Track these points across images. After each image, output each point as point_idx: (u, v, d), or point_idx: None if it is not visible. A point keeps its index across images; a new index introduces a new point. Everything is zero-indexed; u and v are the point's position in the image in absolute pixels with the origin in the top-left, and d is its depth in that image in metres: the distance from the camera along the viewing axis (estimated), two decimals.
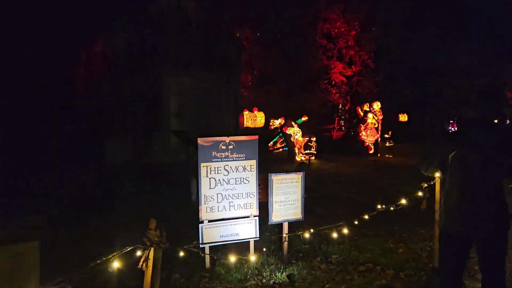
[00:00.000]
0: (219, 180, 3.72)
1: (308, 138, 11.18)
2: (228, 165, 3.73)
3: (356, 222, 3.82)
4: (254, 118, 9.84)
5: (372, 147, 14.44)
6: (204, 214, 3.69)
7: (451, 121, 16.00)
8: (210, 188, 3.69)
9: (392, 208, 3.62)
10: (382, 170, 10.63)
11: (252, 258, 3.76)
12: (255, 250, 3.93)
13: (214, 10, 10.55)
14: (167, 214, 4.93)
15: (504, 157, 2.50)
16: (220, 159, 3.70)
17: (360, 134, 14.29)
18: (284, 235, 3.96)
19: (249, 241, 3.86)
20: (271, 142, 14.46)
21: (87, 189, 6.85)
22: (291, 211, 3.98)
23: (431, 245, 4.06)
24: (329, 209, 5.71)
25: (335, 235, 4.42)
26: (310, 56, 19.25)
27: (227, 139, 3.72)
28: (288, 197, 3.95)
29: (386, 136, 19.02)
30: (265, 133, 14.22)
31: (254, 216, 3.87)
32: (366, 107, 16.80)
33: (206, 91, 9.95)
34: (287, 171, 4.24)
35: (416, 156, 11.09)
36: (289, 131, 11.40)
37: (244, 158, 3.78)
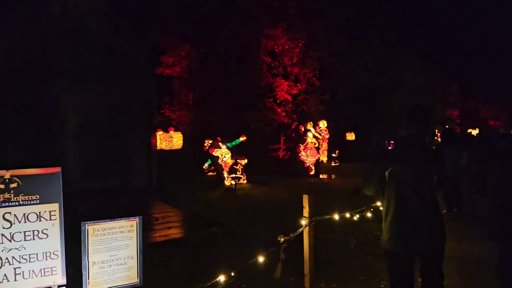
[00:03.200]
0: None
1: (234, 161, 10.09)
2: (10, 213, 2.50)
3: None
4: (170, 139, 8.67)
5: (313, 168, 13.63)
6: None
7: (391, 142, 15.67)
8: None
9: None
10: (316, 193, 9.68)
11: None
12: None
13: (129, 22, 9.39)
14: None
15: (432, 171, 2.73)
16: None
17: (300, 155, 13.46)
18: None
19: None
20: (206, 164, 13.29)
21: None
22: (120, 274, 2.78)
23: None
24: (220, 254, 4.57)
25: None
26: (254, 74, 18.48)
27: (6, 173, 2.50)
28: (115, 255, 2.76)
29: (333, 155, 18.48)
30: (197, 155, 13.07)
31: (59, 287, 2.65)
32: (309, 126, 16.16)
33: (113, 109, 8.68)
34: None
35: (359, 176, 10.40)
36: (216, 153, 10.29)
37: (38, 202, 2.57)
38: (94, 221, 2.71)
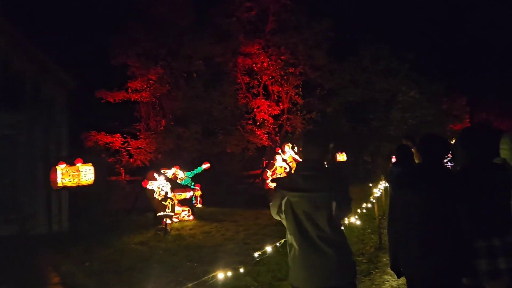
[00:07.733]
0: None
1: (164, 196, 8.40)
2: None
3: None
4: (77, 173, 7.06)
5: None
6: None
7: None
8: None
9: None
10: (265, 232, 7.86)
11: None
12: None
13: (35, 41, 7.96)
14: None
15: (330, 197, 2.44)
16: None
17: (266, 182, 11.71)
18: None
19: None
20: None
21: None
22: None
23: None
24: None
25: None
26: (230, 95, 17.00)
27: None
28: None
29: None
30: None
31: None
32: (288, 147, 14.43)
33: (9, 140, 7.23)
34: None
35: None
36: (151, 185, 8.65)
37: None
38: None
